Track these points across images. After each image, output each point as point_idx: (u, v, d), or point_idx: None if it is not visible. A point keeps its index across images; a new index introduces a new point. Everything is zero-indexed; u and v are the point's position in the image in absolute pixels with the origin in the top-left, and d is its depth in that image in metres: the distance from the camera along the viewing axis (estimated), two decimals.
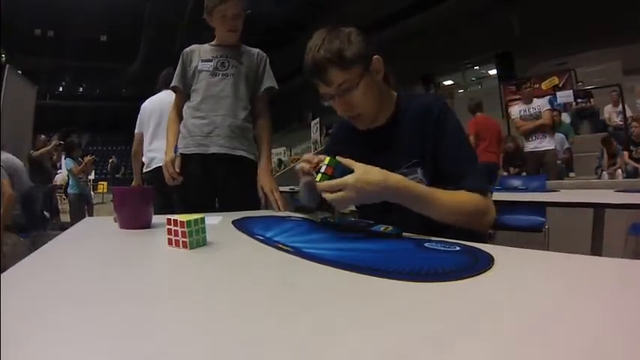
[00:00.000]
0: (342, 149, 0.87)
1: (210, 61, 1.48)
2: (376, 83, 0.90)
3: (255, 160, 1.51)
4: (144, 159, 2.34)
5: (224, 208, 1.38)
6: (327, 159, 0.78)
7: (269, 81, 1.54)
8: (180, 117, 1.53)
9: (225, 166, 1.43)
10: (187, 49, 1.54)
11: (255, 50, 1.55)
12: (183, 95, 1.54)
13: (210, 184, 1.45)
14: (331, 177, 0.76)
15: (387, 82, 0.94)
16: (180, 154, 1.45)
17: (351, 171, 0.73)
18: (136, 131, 2.41)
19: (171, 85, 1.54)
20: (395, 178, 0.74)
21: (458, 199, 0.78)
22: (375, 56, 0.88)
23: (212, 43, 1.53)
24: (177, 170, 1.41)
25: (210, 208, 1.34)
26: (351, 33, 0.85)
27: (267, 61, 1.56)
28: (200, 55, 1.50)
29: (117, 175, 14.46)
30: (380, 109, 0.92)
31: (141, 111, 2.39)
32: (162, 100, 2.30)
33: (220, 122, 1.43)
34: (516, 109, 4.46)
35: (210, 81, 1.46)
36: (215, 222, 0.98)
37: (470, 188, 0.80)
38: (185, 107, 1.51)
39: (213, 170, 1.44)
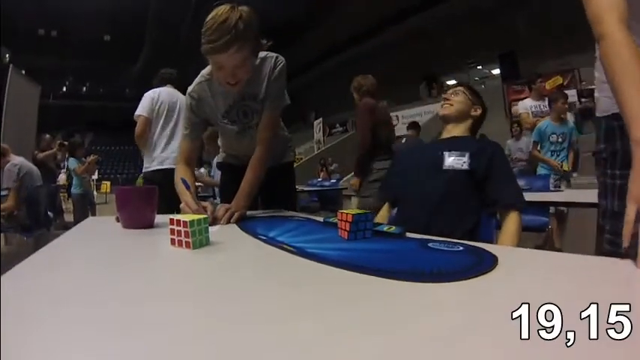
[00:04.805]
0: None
1: (229, 115, 1.24)
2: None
3: (291, 160, 1.52)
4: (154, 154, 2.29)
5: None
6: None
7: (275, 98, 1.23)
8: (192, 169, 1.26)
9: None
10: (193, 96, 1.20)
11: (268, 66, 1.19)
12: (196, 145, 1.27)
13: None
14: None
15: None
16: (219, 162, 1.42)
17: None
18: (143, 114, 2.29)
19: (184, 133, 1.25)
20: None
21: (512, 234, 1.07)
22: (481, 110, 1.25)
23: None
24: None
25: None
26: None
27: (281, 73, 1.21)
28: (213, 105, 1.22)
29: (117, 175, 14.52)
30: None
31: (154, 98, 2.32)
32: (172, 95, 2.36)
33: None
34: (526, 104, 4.14)
35: (238, 134, 1.29)
36: (214, 230, 0.86)
37: (512, 208, 1.10)
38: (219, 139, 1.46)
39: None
